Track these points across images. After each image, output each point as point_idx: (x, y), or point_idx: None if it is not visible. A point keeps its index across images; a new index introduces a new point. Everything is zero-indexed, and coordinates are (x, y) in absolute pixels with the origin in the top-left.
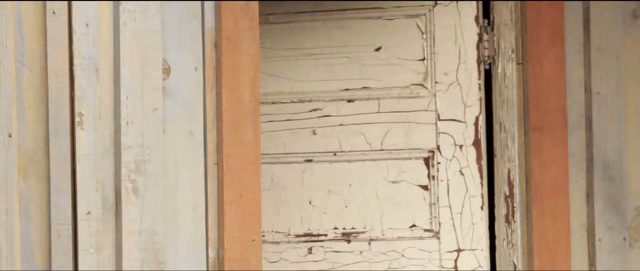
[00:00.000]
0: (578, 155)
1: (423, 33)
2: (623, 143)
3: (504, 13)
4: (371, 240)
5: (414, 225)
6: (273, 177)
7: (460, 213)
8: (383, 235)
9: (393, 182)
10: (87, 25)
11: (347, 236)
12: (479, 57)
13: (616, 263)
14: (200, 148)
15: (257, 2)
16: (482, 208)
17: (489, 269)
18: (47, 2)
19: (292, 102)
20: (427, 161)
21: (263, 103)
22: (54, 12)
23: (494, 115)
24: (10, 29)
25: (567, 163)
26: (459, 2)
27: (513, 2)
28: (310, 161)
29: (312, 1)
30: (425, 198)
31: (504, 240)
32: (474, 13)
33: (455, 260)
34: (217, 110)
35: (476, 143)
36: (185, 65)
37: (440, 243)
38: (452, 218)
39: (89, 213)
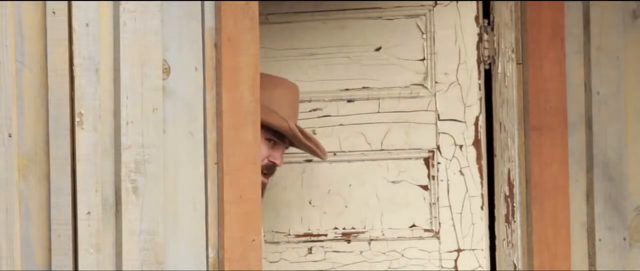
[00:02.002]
0: (578, 155)
1: (423, 33)
2: (623, 143)
3: (504, 13)
4: (371, 240)
5: (414, 225)
6: (273, 177)
7: (460, 213)
8: (383, 235)
9: (393, 182)
10: (87, 25)
11: (347, 236)
12: (479, 57)
13: (616, 263)
14: (200, 148)
15: (257, 2)
16: (482, 208)
17: (489, 269)
18: (47, 2)
19: None
20: (427, 161)
21: None
22: (54, 12)
23: (494, 115)
24: (10, 29)
25: (567, 163)
26: (459, 2)
27: (513, 2)
28: (310, 161)
29: (312, 1)
30: (425, 198)
31: (504, 240)
32: (474, 13)
33: (455, 260)
34: (217, 110)
35: (476, 143)
36: (185, 65)
37: (440, 243)
38: (452, 218)
39: (89, 213)
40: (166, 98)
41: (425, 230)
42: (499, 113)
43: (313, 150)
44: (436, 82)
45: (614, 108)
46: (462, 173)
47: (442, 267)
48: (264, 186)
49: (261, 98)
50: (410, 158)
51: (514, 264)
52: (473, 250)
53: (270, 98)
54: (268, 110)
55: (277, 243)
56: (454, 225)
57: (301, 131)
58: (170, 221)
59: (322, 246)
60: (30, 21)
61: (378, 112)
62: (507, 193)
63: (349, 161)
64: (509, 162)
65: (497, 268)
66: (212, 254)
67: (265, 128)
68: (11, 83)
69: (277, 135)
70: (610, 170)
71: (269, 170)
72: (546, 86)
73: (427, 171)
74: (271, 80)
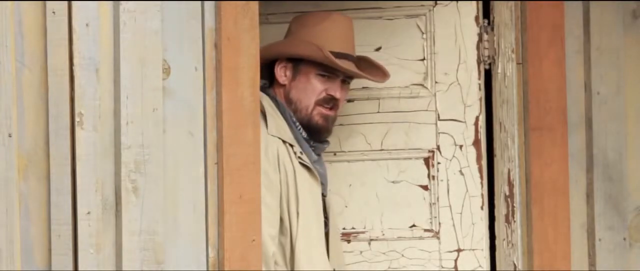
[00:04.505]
0: (578, 155)
1: (423, 33)
2: (623, 143)
3: (504, 13)
4: (371, 240)
5: (414, 225)
6: None
7: (460, 213)
8: (383, 235)
9: (393, 182)
10: (87, 25)
11: (347, 236)
12: (479, 57)
13: (616, 263)
14: (200, 148)
15: (257, 2)
16: (482, 208)
17: (489, 269)
18: (47, 2)
19: None
20: (427, 161)
21: None
22: (54, 12)
23: (494, 115)
24: (10, 29)
25: (567, 163)
26: (459, 2)
27: (513, 2)
28: None
29: (312, 1)
30: (425, 198)
31: (504, 240)
32: (474, 13)
33: (455, 260)
34: (217, 110)
35: (476, 143)
36: (185, 65)
37: (440, 243)
38: (452, 218)
39: (89, 213)
40: (166, 98)
41: (425, 230)
42: (499, 113)
43: (367, 77)
44: (436, 82)
45: (614, 108)
46: (462, 173)
47: (442, 267)
48: (329, 118)
49: (301, 34)
50: (410, 158)
51: (514, 264)
52: (473, 250)
53: (312, 33)
54: (301, 43)
55: None
56: (454, 225)
57: (360, 58)
58: (170, 221)
59: None
60: (30, 21)
61: (378, 112)
62: (507, 193)
63: (349, 161)
64: (509, 162)
65: (497, 268)
66: (212, 254)
67: (311, 63)
68: (11, 83)
69: (328, 69)
70: (610, 170)
71: (329, 103)
72: (546, 86)
73: (427, 171)
74: (316, 16)
